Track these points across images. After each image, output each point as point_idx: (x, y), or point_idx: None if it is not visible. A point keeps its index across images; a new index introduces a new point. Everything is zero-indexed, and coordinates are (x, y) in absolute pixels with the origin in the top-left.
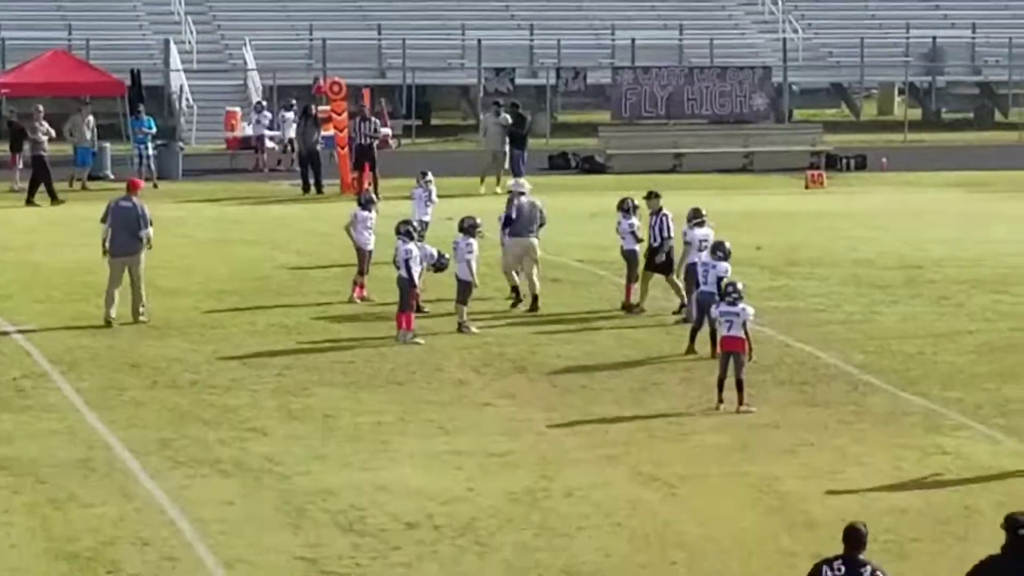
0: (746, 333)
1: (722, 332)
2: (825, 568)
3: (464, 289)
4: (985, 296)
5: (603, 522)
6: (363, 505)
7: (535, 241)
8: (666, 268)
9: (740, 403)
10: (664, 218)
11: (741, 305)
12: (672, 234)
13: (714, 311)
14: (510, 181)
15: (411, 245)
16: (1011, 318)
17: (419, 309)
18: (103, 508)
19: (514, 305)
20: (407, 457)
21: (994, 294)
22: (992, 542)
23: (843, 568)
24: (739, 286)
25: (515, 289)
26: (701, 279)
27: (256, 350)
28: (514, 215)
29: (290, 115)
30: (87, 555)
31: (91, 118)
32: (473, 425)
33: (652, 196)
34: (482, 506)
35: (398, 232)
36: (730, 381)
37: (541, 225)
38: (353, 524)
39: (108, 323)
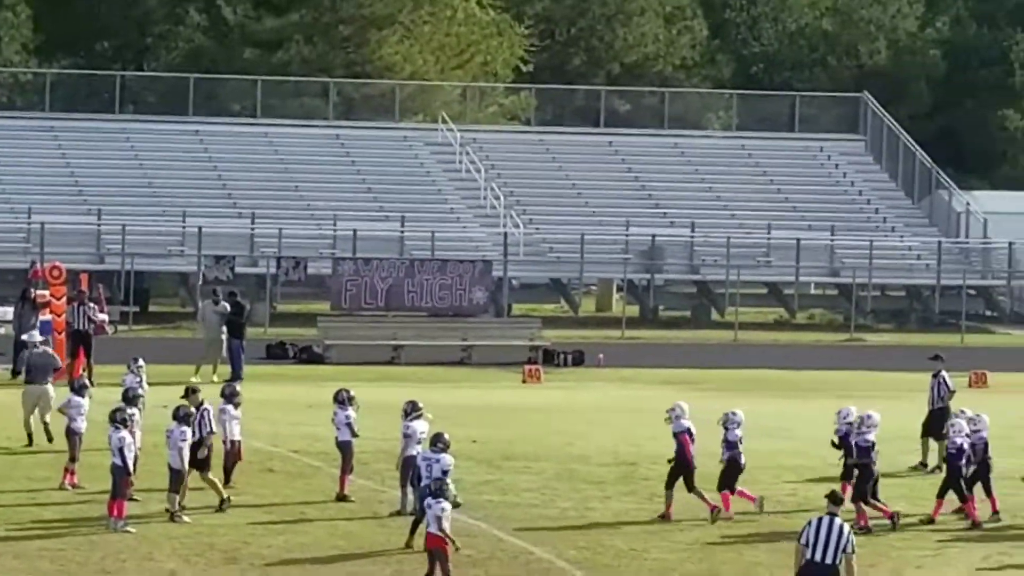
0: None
1: (430, 529)
2: None
3: (176, 477)
4: (707, 494)
5: None
6: None
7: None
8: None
9: None
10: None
11: (443, 504)
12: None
13: (435, 508)
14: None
15: (124, 432)
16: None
17: (131, 498)
18: None
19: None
20: None
21: (707, 491)
22: None
23: None
24: (449, 483)
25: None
26: (424, 473)
27: None
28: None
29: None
30: None
31: None
32: None
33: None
34: None
35: (112, 420)
36: None
37: None
38: None
39: None
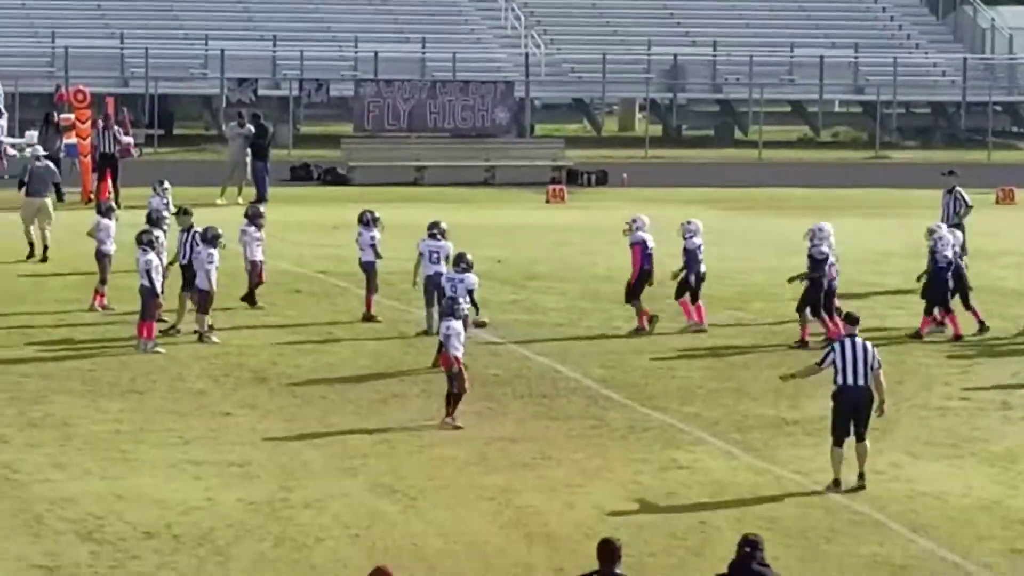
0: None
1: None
2: None
3: (203, 298)
4: (723, 312)
5: (342, 533)
6: (101, 514)
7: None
8: None
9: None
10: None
11: (457, 322)
12: None
13: (443, 327)
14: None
15: (152, 255)
16: (748, 334)
17: (160, 319)
18: None
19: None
20: (146, 466)
21: (732, 310)
22: (726, 558)
23: None
24: (462, 302)
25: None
26: (449, 292)
27: None
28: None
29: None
30: None
31: None
32: (212, 435)
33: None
34: (221, 516)
35: (140, 242)
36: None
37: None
38: (91, 533)
39: None
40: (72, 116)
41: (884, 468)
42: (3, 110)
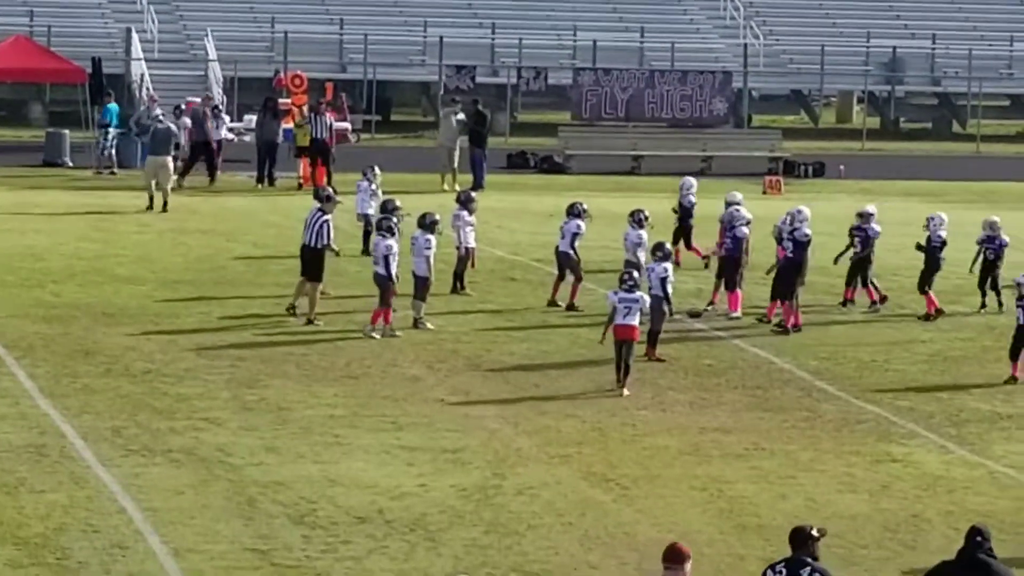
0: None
1: (618, 320)
2: (769, 572)
3: (422, 285)
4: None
5: (554, 521)
6: (314, 498)
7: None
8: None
9: (623, 385)
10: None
11: (638, 293)
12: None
13: (612, 297)
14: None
15: (391, 241)
16: (965, 328)
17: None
18: (54, 495)
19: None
20: (359, 451)
21: (947, 303)
22: (940, 551)
23: (784, 571)
24: (635, 274)
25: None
26: (648, 280)
27: (210, 340)
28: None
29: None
30: (36, 541)
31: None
32: (426, 421)
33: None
34: (433, 502)
35: (379, 228)
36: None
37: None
38: (304, 516)
39: None
40: (290, 101)
41: None
42: (221, 108)
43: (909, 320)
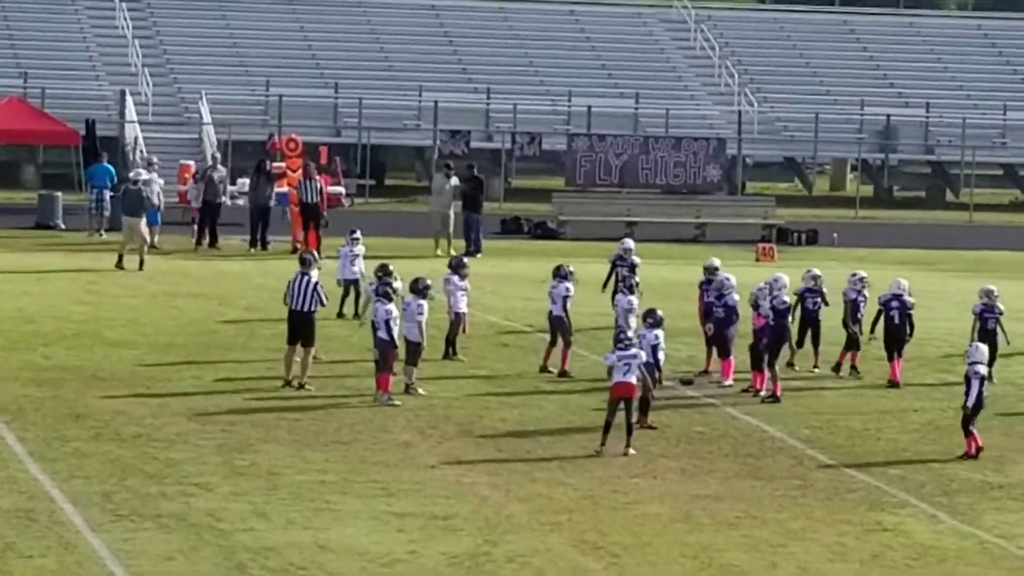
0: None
1: (617, 378)
2: None
3: (414, 350)
4: (930, 374)
5: None
6: (304, 564)
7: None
8: None
9: (628, 445)
10: None
11: (635, 350)
12: None
13: (610, 357)
14: None
15: (391, 305)
16: (956, 397)
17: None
18: (42, 559)
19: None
20: (350, 517)
21: (939, 372)
22: None
23: None
24: (629, 333)
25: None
26: (640, 346)
27: (202, 405)
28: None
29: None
30: None
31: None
32: (417, 487)
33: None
34: (423, 569)
35: (377, 293)
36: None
37: None
38: None
39: None
40: (284, 164)
41: None
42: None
43: (901, 390)
